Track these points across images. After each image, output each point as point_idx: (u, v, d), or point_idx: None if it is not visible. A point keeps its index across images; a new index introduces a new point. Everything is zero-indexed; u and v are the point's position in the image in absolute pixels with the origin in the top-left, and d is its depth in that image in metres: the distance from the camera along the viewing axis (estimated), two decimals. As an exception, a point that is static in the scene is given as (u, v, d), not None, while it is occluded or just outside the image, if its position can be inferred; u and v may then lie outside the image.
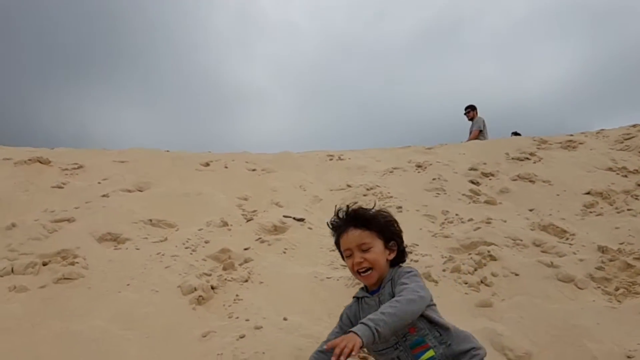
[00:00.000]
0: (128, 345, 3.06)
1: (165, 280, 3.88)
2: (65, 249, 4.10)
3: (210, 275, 3.97)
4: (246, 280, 3.91)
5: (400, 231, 2.62)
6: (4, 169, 5.85)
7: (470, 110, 11.51)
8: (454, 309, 3.49)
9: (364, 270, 2.47)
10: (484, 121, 11.22)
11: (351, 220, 2.56)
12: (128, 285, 3.78)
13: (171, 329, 3.31)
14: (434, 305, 2.45)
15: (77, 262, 3.90)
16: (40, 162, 6.10)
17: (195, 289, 3.71)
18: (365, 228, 2.52)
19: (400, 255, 2.60)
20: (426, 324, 2.35)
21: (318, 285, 3.86)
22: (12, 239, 4.21)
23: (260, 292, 3.76)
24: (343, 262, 4.27)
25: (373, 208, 2.63)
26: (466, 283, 3.81)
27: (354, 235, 2.52)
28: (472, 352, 2.32)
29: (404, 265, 2.60)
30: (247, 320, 3.37)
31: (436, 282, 3.81)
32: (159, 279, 3.88)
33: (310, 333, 3.24)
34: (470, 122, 11.41)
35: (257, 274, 4.01)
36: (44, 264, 3.85)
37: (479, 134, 10.92)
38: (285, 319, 3.38)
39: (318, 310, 3.55)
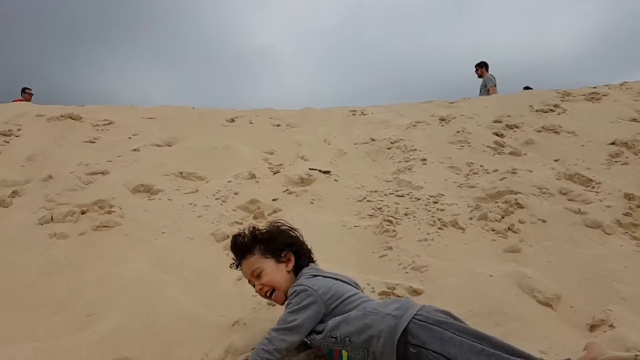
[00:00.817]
0: (167, 287, 3.13)
1: (198, 228, 3.93)
2: (101, 199, 4.16)
3: (241, 223, 4.01)
4: (277, 227, 3.94)
5: (291, 236, 2.66)
6: (38, 125, 5.92)
7: (479, 67, 11.30)
8: (481, 255, 3.50)
9: (269, 293, 2.52)
10: (494, 78, 11.04)
11: (237, 254, 2.63)
12: (163, 233, 3.84)
13: (206, 273, 3.36)
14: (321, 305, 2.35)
15: (113, 211, 3.97)
16: (72, 118, 6.15)
17: (228, 236, 3.74)
18: (249, 254, 2.57)
19: (301, 258, 2.63)
20: (319, 338, 2.30)
21: (346, 233, 3.88)
22: (50, 189, 4.29)
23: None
24: (370, 212, 4.35)
25: (252, 230, 2.63)
26: (493, 230, 3.80)
27: (245, 267, 2.59)
28: (374, 341, 2.14)
29: (309, 266, 2.63)
30: (279, 266, 3.41)
31: (463, 229, 3.81)
32: (193, 227, 3.93)
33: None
34: (480, 80, 11.22)
35: (287, 220, 4.03)
36: (82, 213, 3.92)
37: (494, 90, 10.75)
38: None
39: (347, 257, 3.58)
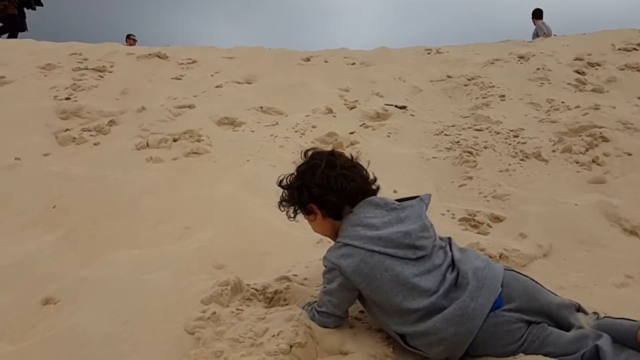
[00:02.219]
0: (255, 207, 3.22)
1: (280, 156, 3.99)
2: (190, 129, 4.28)
3: (322, 153, 4.04)
4: (355, 159, 3.94)
5: (314, 187, 2.07)
6: (128, 63, 6.11)
7: (532, 16, 10.95)
8: (565, 185, 3.39)
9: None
10: (546, 26, 10.64)
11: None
12: (248, 160, 3.93)
13: (290, 195, 3.42)
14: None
15: (202, 140, 4.09)
16: (159, 57, 6.31)
17: (310, 164, 3.80)
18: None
19: (332, 206, 2.10)
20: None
21: (424, 163, 3.84)
22: (143, 120, 4.45)
23: (369, 169, 3.78)
24: (448, 145, 4.27)
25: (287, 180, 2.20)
26: (577, 162, 3.66)
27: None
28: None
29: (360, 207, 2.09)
30: (359, 192, 3.43)
31: (546, 161, 3.69)
32: (275, 156, 4.00)
33: (421, 203, 3.27)
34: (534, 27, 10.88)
35: (364, 153, 4.02)
36: (174, 140, 4.06)
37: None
38: (395, 191, 3.42)
39: (425, 184, 3.55)
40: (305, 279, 2.55)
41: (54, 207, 3.13)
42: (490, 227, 2.94)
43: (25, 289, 2.35)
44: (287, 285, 2.51)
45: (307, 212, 2.14)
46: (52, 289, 2.33)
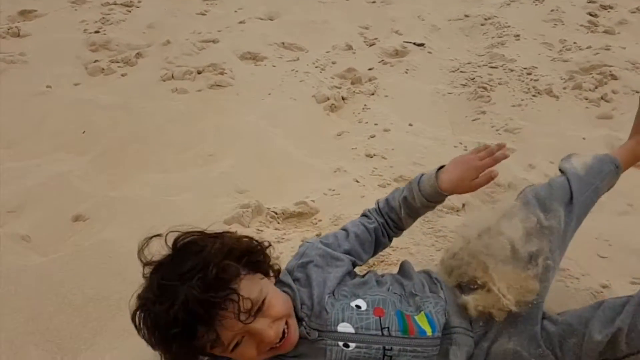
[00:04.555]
0: (276, 137, 3.16)
1: (300, 91, 3.88)
2: (213, 62, 4.16)
3: (340, 88, 3.92)
4: (372, 94, 3.83)
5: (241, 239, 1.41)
6: (154, -2, 5.92)
7: None
8: (574, 120, 3.26)
9: (281, 336, 1.27)
10: None
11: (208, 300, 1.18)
12: (269, 94, 3.82)
13: (310, 128, 3.35)
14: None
15: (225, 73, 3.98)
16: (183, -7, 6.09)
17: (328, 98, 3.69)
18: (237, 278, 1.24)
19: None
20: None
21: (440, 99, 3.71)
22: (169, 52, 4.33)
23: (386, 103, 3.67)
24: (463, 82, 4.12)
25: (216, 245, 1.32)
26: (587, 99, 3.50)
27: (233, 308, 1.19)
28: None
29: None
30: (375, 124, 3.34)
31: (557, 97, 3.53)
32: (296, 90, 3.88)
33: (434, 136, 3.17)
34: None
35: (382, 88, 3.89)
36: (199, 73, 3.96)
37: None
38: (410, 125, 3.32)
39: (441, 119, 3.43)
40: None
41: (83, 133, 3.10)
42: (501, 159, 2.85)
43: (57, 206, 2.34)
44: (305, 210, 2.49)
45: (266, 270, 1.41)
46: (82, 207, 2.32)
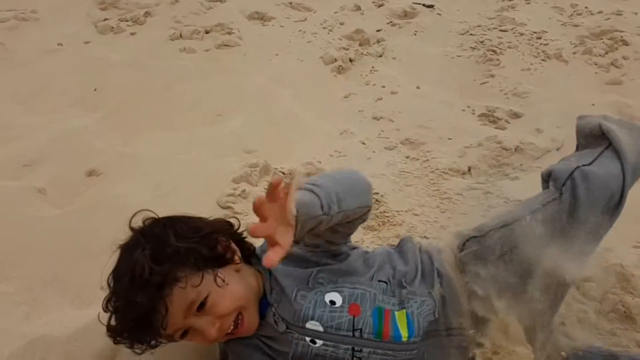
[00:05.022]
0: (283, 98, 3.16)
1: (308, 52, 3.85)
2: (221, 22, 4.11)
3: (347, 49, 3.89)
4: (380, 55, 3.79)
5: (211, 224, 1.33)
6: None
7: None
8: (583, 86, 3.23)
9: (233, 327, 1.24)
10: None
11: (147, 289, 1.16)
12: (277, 55, 3.80)
13: (317, 90, 3.35)
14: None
15: (233, 33, 3.94)
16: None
17: (336, 60, 3.67)
18: (173, 284, 1.16)
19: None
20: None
21: (449, 62, 3.68)
22: (177, 12, 4.28)
23: (394, 66, 3.65)
24: (472, 45, 4.08)
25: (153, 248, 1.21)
26: (596, 64, 3.46)
27: (171, 308, 1.17)
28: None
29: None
30: (383, 87, 3.33)
31: (566, 62, 3.50)
32: (303, 51, 3.86)
33: (442, 99, 3.17)
34: None
35: (390, 50, 3.86)
36: (206, 32, 3.92)
37: None
38: (418, 88, 3.30)
39: (449, 81, 3.41)
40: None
41: (94, 90, 3.11)
42: (508, 122, 2.85)
43: (71, 161, 2.38)
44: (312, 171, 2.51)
45: (220, 262, 1.27)
46: (95, 162, 2.36)
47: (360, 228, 2.09)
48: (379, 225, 2.13)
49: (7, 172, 2.29)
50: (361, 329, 1.24)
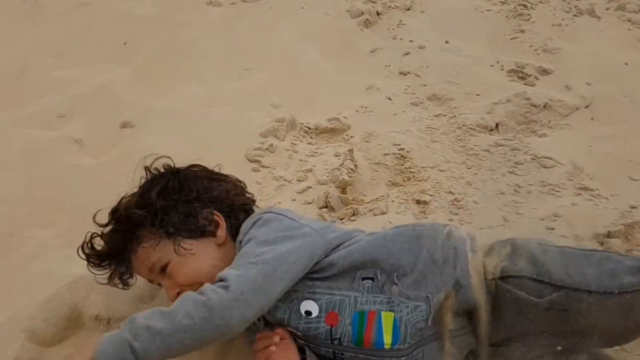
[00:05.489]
0: (309, 53, 3.14)
1: (334, 5, 3.77)
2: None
3: (374, 2, 3.79)
4: (408, 9, 3.70)
5: (210, 190, 1.33)
6: None
7: None
8: (616, 42, 3.13)
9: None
10: None
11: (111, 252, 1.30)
12: (302, 8, 3.73)
13: (343, 44, 3.30)
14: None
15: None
16: None
17: (362, 13, 3.59)
18: (137, 244, 1.26)
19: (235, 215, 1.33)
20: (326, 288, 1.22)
21: (478, 15, 3.57)
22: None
23: (422, 20, 3.57)
24: (503, -1, 3.94)
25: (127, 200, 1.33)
26: (630, 20, 3.34)
27: (136, 262, 1.29)
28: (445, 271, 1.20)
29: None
30: (410, 41, 3.26)
31: (599, 17, 3.38)
32: (329, 4, 3.77)
33: (471, 54, 3.09)
34: None
35: (418, 4, 3.75)
36: (233, -15, 3.87)
37: None
38: (446, 42, 3.23)
39: (478, 36, 3.32)
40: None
41: (124, 44, 3.13)
42: (538, 79, 2.79)
43: (104, 113, 2.43)
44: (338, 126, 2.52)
45: (197, 232, 1.27)
46: (127, 115, 2.40)
47: (384, 183, 2.15)
48: (403, 180, 2.14)
49: (43, 123, 2.35)
50: (340, 338, 1.16)
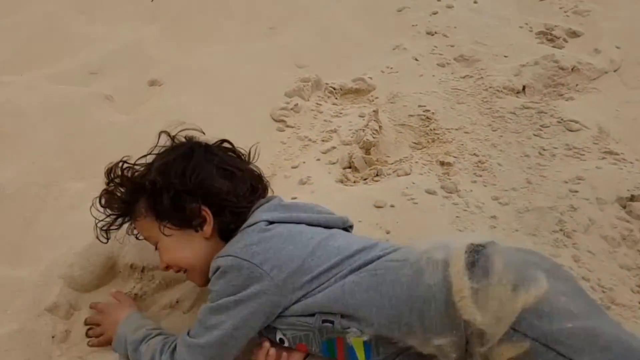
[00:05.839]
0: (335, 12, 3.11)
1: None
2: None
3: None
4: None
5: (209, 186, 1.27)
6: None
7: None
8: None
9: (183, 271, 1.35)
10: None
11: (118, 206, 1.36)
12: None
13: (370, 3, 3.25)
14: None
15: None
16: None
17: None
18: (134, 215, 1.34)
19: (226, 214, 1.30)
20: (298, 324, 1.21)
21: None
22: None
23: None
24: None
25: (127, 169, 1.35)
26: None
27: (137, 228, 1.39)
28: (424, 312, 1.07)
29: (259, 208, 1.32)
30: (438, 0, 3.19)
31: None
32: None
33: (499, 15, 3.04)
34: None
35: (446, -36, 3.65)
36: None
37: None
38: (475, 2, 3.17)
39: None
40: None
41: (152, 1, 3.12)
42: (566, 41, 2.73)
43: (133, 70, 2.45)
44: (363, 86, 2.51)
45: (182, 223, 1.29)
46: (156, 72, 2.42)
47: (408, 145, 2.15)
48: (428, 142, 2.14)
49: (75, 79, 2.39)
50: None
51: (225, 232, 1.29)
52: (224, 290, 1.16)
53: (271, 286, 1.15)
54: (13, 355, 1.32)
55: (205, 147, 1.35)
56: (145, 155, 1.35)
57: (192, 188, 1.25)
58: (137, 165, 1.35)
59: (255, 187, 1.37)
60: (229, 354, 1.17)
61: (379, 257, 1.18)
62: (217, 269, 1.19)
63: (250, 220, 1.26)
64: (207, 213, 1.27)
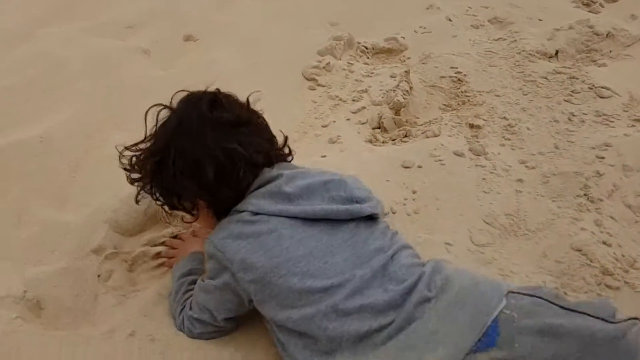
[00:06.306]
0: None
1: None
2: None
3: None
4: None
5: (201, 175, 1.18)
6: None
7: None
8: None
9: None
10: None
11: None
12: None
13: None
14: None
15: None
16: None
17: None
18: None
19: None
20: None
21: None
22: None
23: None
24: None
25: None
26: None
27: None
28: None
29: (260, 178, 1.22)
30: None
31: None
32: None
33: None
34: None
35: None
36: None
37: None
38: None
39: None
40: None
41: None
42: (603, 6, 2.67)
43: (168, 26, 2.49)
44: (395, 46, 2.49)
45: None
46: (191, 28, 2.45)
47: (438, 107, 2.15)
48: (458, 104, 2.14)
49: (112, 33, 2.43)
50: None
51: (222, 215, 1.24)
52: (209, 271, 1.21)
53: (237, 284, 1.14)
54: (61, 291, 1.41)
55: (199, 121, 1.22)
56: (143, 141, 1.29)
57: (188, 177, 1.19)
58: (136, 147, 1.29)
59: (256, 164, 1.21)
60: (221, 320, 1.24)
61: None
62: (206, 253, 1.22)
63: (240, 205, 1.19)
64: (202, 202, 1.24)
